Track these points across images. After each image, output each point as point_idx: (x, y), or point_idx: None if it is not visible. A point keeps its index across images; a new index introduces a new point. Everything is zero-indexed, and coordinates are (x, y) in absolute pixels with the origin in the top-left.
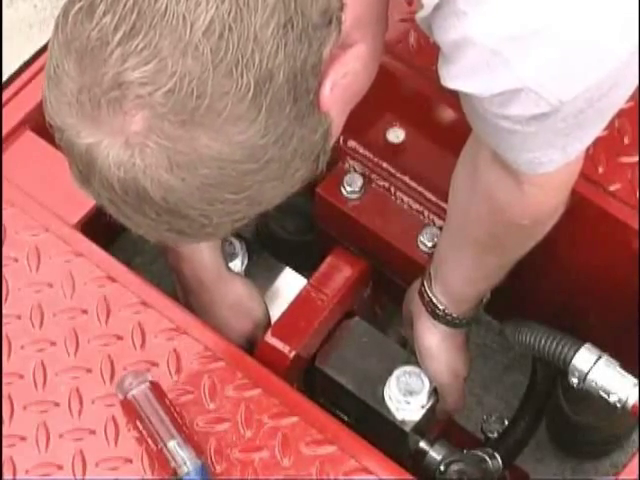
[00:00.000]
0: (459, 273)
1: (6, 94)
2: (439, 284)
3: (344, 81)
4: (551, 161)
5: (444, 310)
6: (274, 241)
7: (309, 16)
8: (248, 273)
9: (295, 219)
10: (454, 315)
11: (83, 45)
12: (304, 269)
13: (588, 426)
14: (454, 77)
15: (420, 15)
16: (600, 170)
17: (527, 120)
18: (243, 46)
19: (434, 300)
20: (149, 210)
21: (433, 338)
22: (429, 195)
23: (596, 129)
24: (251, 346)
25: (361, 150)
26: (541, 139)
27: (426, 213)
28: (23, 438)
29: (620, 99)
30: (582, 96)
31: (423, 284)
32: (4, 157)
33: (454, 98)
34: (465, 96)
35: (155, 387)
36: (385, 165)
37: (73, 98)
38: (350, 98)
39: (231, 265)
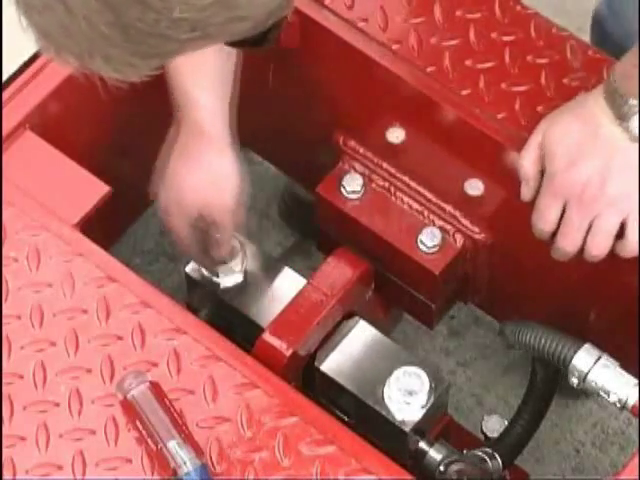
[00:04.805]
0: None
1: (6, 94)
2: (619, 65)
3: None
4: None
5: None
6: (300, 206)
7: None
8: (248, 273)
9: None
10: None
11: None
12: None
13: None
14: None
15: None
16: None
17: None
18: None
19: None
20: None
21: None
22: (429, 195)
23: None
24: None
25: (361, 150)
26: None
27: (426, 213)
28: (23, 438)
29: None
30: None
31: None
32: (4, 157)
33: (454, 98)
34: None
35: (155, 387)
36: (385, 165)
37: None
38: None
39: (231, 265)
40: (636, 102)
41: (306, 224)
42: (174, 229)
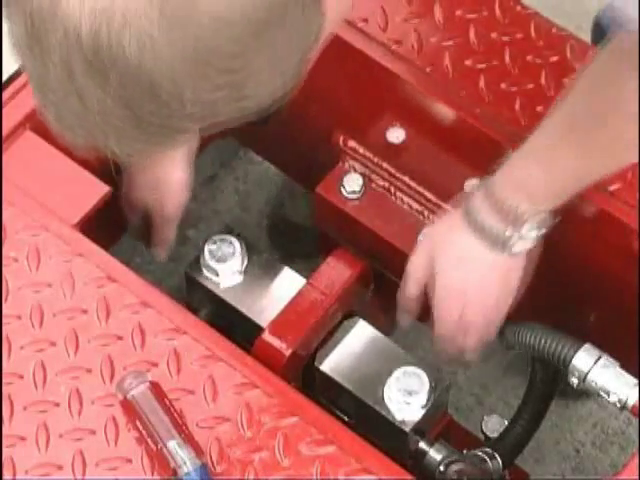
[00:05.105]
0: (541, 158)
1: (6, 94)
2: (503, 174)
3: None
4: None
5: (505, 202)
6: (287, 225)
7: None
8: (248, 273)
9: (309, 203)
10: (510, 206)
11: None
12: (314, 256)
13: None
14: None
15: None
16: None
17: None
18: None
19: (494, 187)
20: (114, 78)
21: (451, 236)
22: (429, 195)
23: None
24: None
25: (361, 150)
26: None
27: (426, 213)
28: (23, 438)
29: None
30: None
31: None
32: (4, 157)
33: (454, 98)
34: None
35: (155, 387)
36: (385, 165)
37: None
38: (341, 11)
39: (231, 265)
40: (528, 207)
41: (293, 245)
42: (126, 214)
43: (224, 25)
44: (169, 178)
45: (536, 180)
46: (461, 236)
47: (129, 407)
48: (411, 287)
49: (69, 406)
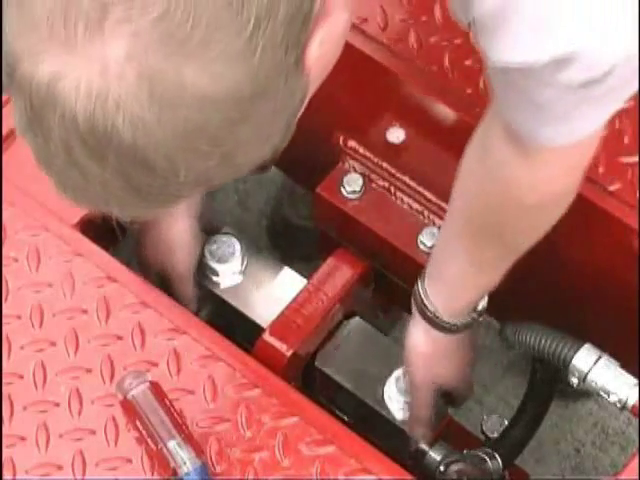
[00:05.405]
0: (454, 268)
1: (6, 94)
2: (432, 282)
3: (329, 43)
4: (570, 133)
5: (434, 313)
6: (287, 226)
7: None
8: (248, 273)
9: (309, 205)
10: (443, 318)
11: None
12: (314, 256)
13: None
14: (502, 50)
15: None
16: (600, 170)
17: (576, 87)
18: None
19: (425, 300)
20: (111, 155)
21: (420, 338)
22: (429, 195)
23: (616, 105)
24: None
25: (361, 150)
26: (573, 109)
27: (426, 213)
28: (23, 438)
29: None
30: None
31: (417, 284)
32: (4, 157)
33: (454, 98)
34: (504, 69)
35: (155, 387)
36: (385, 165)
37: (43, 18)
38: (325, 66)
39: (231, 265)
40: (458, 317)
41: (293, 246)
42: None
43: (210, 104)
44: (173, 233)
45: (454, 300)
46: (437, 335)
47: (129, 407)
48: (424, 407)
49: (69, 406)
